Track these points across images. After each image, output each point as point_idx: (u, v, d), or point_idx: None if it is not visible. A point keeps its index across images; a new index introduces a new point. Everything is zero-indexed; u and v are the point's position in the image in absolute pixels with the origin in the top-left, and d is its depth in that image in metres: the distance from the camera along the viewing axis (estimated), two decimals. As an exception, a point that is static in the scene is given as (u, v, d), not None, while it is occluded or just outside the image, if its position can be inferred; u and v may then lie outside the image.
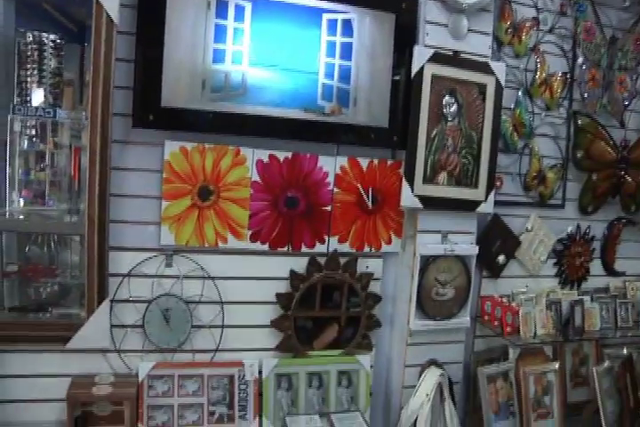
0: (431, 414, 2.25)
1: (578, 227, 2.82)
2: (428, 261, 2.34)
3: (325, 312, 2.33)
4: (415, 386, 2.33)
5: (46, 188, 2.30)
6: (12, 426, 2.08)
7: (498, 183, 2.51)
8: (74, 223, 2.22)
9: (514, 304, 2.50)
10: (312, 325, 2.36)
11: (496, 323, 2.49)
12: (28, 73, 2.22)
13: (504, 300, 2.53)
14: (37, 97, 2.24)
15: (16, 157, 2.27)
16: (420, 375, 2.35)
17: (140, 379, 2.12)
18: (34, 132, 2.28)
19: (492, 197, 2.42)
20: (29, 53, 2.19)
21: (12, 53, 2.17)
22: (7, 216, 2.23)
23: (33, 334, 2.07)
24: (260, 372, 2.23)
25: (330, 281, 2.30)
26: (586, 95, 2.71)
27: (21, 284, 2.28)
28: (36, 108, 2.20)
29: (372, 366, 2.38)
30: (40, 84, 2.24)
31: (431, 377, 2.31)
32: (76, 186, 2.26)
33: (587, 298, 2.71)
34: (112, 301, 2.11)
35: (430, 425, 2.25)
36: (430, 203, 2.30)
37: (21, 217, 2.28)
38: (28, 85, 2.23)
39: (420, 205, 2.28)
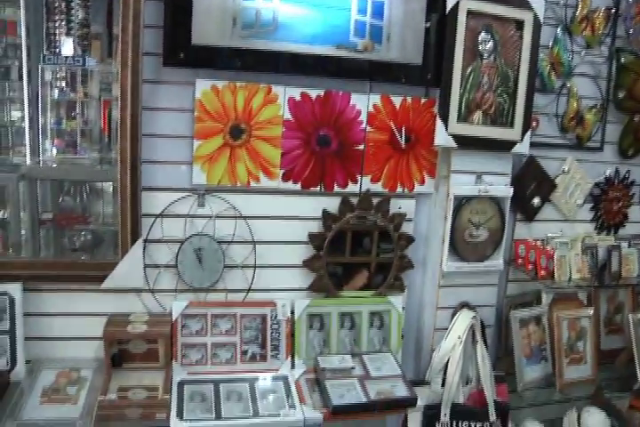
0: (463, 356, 2.24)
1: (617, 171, 2.74)
2: (461, 203, 2.30)
3: (356, 258, 2.32)
4: (447, 328, 2.32)
5: (77, 137, 2.32)
6: (53, 362, 2.13)
7: (534, 124, 2.44)
8: (105, 171, 2.24)
9: (548, 248, 2.46)
10: (342, 271, 2.35)
11: (530, 266, 2.46)
12: (57, 24, 2.20)
13: (538, 243, 2.48)
14: (66, 48, 2.22)
15: (47, 107, 2.28)
16: (453, 318, 2.34)
17: (173, 318, 2.14)
18: (64, 81, 2.30)
19: (527, 137, 2.35)
20: (57, 4, 2.17)
21: (40, 4, 2.16)
22: (41, 165, 2.27)
23: (69, 273, 2.10)
24: (293, 312, 2.24)
25: (361, 227, 2.28)
26: (631, 31, 2.58)
27: (56, 232, 2.32)
28: (66, 57, 2.20)
29: (403, 308, 2.37)
30: (68, 35, 2.22)
31: (463, 319, 2.30)
32: (107, 138, 2.27)
33: (624, 244, 2.65)
34: (145, 241, 2.12)
35: (462, 367, 2.24)
36: (464, 142, 2.25)
37: (54, 165, 2.31)
38: (57, 37, 2.21)
39: (453, 145, 2.23)
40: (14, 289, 2.06)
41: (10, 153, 2.27)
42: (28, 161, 2.25)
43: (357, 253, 2.32)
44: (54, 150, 2.30)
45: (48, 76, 2.27)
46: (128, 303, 2.17)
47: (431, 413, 2.23)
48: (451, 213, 2.29)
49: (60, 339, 2.15)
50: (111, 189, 2.26)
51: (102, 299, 2.14)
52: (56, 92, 2.30)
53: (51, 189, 2.34)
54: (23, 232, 2.25)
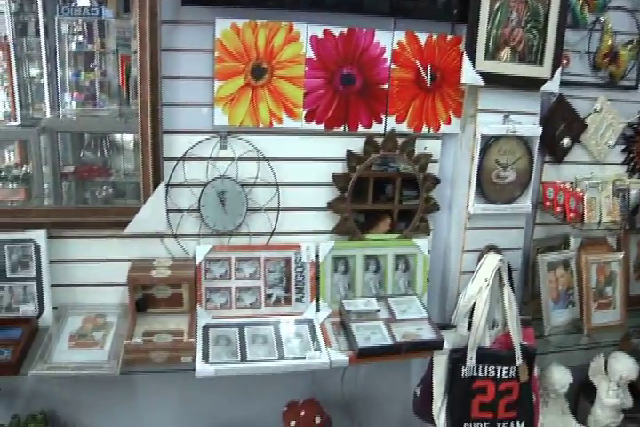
0: (489, 299, 2.21)
1: (652, 110, 2.62)
2: (488, 142, 2.23)
3: (378, 206, 2.28)
4: (473, 272, 2.28)
5: (96, 89, 2.31)
6: (79, 308, 2.15)
7: (564, 62, 2.33)
8: (125, 122, 2.22)
9: (578, 190, 2.40)
10: (364, 219, 2.31)
11: (559, 209, 2.40)
12: (72, -24, 2.17)
13: (567, 185, 2.42)
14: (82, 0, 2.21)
15: (65, 60, 2.27)
16: (479, 261, 2.29)
17: (197, 262, 2.12)
18: (81, 34, 2.28)
19: (557, 75, 2.26)
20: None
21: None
22: (61, 118, 2.26)
23: (93, 219, 2.10)
24: (317, 255, 2.21)
25: (383, 174, 2.23)
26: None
27: (77, 185, 2.31)
28: (82, 7, 2.19)
29: (429, 251, 2.34)
30: (84, -14, 2.18)
31: (490, 262, 2.25)
32: (125, 93, 2.26)
33: (658, 188, 2.57)
34: (167, 185, 2.09)
35: (488, 311, 2.21)
36: (492, 80, 2.16)
37: (74, 118, 2.29)
38: (73, -11, 2.17)
39: (481, 82, 2.15)
40: (39, 236, 2.06)
41: (30, 109, 2.26)
42: (48, 115, 2.25)
43: (380, 201, 2.28)
44: (74, 103, 2.31)
45: (65, 29, 2.26)
46: (151, 249, 2.16)
47: (457, 356, 2.21)
48: (477, 153, 2.23)
49: (85, 285, 2.16)
50: (131, 141, 2.25)
51: (126, 245, 2.13)
52: (73, 44, 2.29)
53: (71, 143, 2.35)
54: (46, 186, 2.27)
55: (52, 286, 2.09)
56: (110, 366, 1.90)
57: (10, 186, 2.24)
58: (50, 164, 2.25)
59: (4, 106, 2.21)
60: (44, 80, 2.24)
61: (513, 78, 2.20)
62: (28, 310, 2.08)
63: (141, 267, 2.09)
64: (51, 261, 2.08)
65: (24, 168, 2.24)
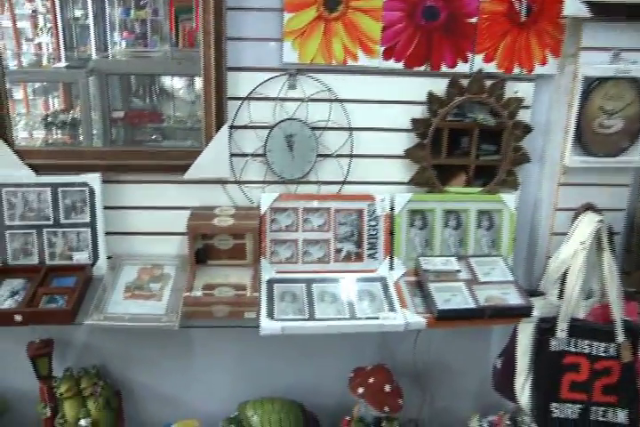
0: (585, 265, 1.96)
1: None
2: (591, 86, 1.97)
3: (453, 160, 2.06)
4: (566, 233, 2.03)
5: (147, 28, 2.21)
6: (134, 258, 2.05)
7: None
8: (177, 64, 2.10)
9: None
10: (436, 175, 2.09)
11: (673, 164, 2.12)
12: None
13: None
14: None
15: None
16: (574, 221, 2.04)
17: (262, 211, 1.97)
18: None
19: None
20: None
21: None
22: (110, 58, 2.17)
23: (150, 162, 1.98)
24: (392, 208, 2.02)
25: (459, 125, 2.01)
26: None
27: (127, 132, 2.21)
28: None
29: (516, 208, 2.10)
30: None
31: (587, 223, 2.00)
32: (174, 37, 2.15)
33: None
34: (231, 127, 1.94)
35: (584, 277, 1.97)
36: (600, 11, 1.88)
37: (124, 59, 2.18)
38: None
39: (586, 14, 1.89)
40: (93, 179, 1.95)
41: (75, 51, 2.15)
42: (94, 57, 2.15)
43: (454, 155, 2.07)
44: (123, 44, 2.20)
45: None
46: (213, 196, 2.03)
47: (546, 326, 1.98)
48: (578, 98, 1.97)
49: (141, 234, 2.05)
50: (181, 88, 2.13)
51: (185, 191, 2.01)
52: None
53: (120, 87, 2.25)
54: (94, 132, 2.18)
55: (107, 233, 1.99)
56: (169, 319, 1.80)
57: (56, 132, 2.15)
58: (99, 108, 2.15)
59: (48, 48, 2.11)
60: (90, 20, 2.14)
61: (627, 7, 1.90)
62: (81, 257, 1.99)
63: (202, 215, 1.96)
64: (105, 208, 1.98)
65: (71, 113, 2.14)
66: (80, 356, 2.15)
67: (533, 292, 2.04)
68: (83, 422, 1.98)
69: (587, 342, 1.99)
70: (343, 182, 2.03)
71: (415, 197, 2.03)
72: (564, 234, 2.04)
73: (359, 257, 2.03)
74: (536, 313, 1.94)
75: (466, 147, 2.07)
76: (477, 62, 1.98)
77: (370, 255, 2.03)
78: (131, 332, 1.86)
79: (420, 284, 1.98)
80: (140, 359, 2.19)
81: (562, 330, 1.98)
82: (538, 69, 2.01)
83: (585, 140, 2.02)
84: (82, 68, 2.11)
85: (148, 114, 2.22)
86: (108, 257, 2.01)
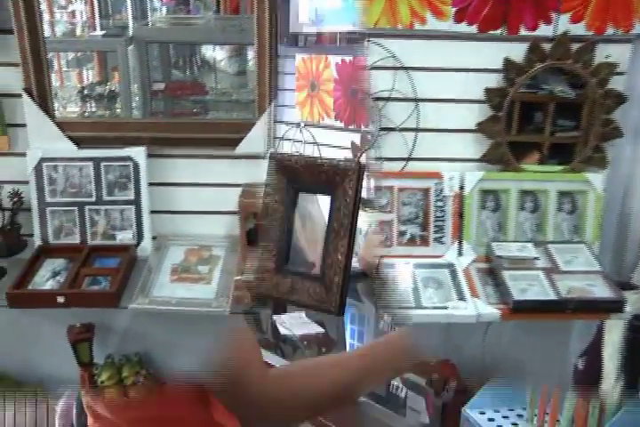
0: (685, 254, 1.74)
1: None
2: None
3: (524, 137, 1.88)
4: (664, 217, 1.81)
5: None
6: (180, 239, 1.93)
7: None
8: (222, 31, 1.96)
9: None
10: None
11: None
12: None
13: None
14: None
15: None
16: (673, 204, 1.82)
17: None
18: None
19: None
20: None
21: None
22: (149, 26, 2.05)
23: (198, 136, 1.85)
24: (462, 187, 1.83)
25: (533, 98, 1.83)
26: None
27: (167, 104, 2.11)
28: None
29: (604, 190, 1.88)
30: None
31: (687, 207, 1.78)
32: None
33: None
34: (285, 97, 1.80)
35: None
36: None
37: (165, 26, 2.07)
38: None
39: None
40: (138, 153, 1.83)
41: (112, 18, 2.04)
42: (132, 25, 2.03)
43: (526, 131, 1.88)
44: (163, 10, 2.07)
45: None
46: (265, 173, 1.86)
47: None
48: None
49: (187, 213, 1.93)
50: (223, 59, 1.99)
51: (236, 167, 1.88)
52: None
53: (161, 57, 2.12)
54: (134, 104, 2.07)
55: (152, 212, 1.88)
56: (219, 304, 1.69)
57: (93, 105, 2.04)
58: (138, 79, 2.04)
59: (82, 15, 2.00)
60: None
61: None
62: (125, 237, 1.87)
63: (254, 193, 1.82)
64: (150, 184, 1.86)
65: (107, 85, 2.03)
66: (121, 342, 2.03)
67: (624, 284, 1.82)
68: (124, 412, 1.87)
69: (691, 345, 1.77)
70: (408, 159, 1.85)
71: (487, 175, 1.83)
72: (659, 219, 1.82)
73: (425, 241, 1.84)
74: (628, 309, 1.72)
75: (539, 122, 1.88)
76: (563, 23, 1.76)
77: (436, 239, 1.84)
78: (175, 317, 1.75)
79: (492, 271, 1.78)
80: (184, 347, 2.04)
81: (660, 330, 1.75)
82: (638, 28, 1.77)
83: (687, 112, 1.79)
84: (120, 36, 2.00)
85: (190, 85, 2.11)
86: (153, 237, 1.89)
